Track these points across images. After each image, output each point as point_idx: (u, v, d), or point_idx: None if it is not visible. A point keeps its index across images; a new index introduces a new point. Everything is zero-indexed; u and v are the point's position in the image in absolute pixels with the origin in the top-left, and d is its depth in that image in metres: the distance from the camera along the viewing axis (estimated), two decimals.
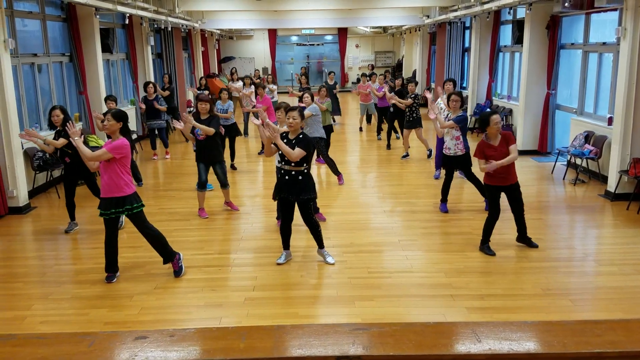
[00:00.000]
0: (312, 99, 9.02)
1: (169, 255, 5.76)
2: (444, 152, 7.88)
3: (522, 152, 10.95)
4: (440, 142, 9.17)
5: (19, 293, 5.54)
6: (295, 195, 5.78)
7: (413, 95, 11.12)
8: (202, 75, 19.97)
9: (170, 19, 15.24)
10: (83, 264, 6.25)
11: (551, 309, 5.00)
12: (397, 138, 13.73)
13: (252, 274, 5.86)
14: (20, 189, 8.18)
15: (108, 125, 5.56)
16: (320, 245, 6.10)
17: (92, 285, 5.62)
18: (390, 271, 5.85)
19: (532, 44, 11.37)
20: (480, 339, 1.49)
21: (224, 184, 7.96)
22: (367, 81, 15.02)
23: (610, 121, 8.94)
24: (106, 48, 12.44)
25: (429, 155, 11.53)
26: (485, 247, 6.31)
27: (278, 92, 15.98)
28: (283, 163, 5.79)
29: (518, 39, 12.40)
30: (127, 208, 5.47)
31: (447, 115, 8.11)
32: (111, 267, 5.71)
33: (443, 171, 8.69)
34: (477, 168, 6.47)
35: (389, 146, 12.86)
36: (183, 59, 18.91)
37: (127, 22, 12.97)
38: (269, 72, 25.99)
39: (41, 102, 10.09)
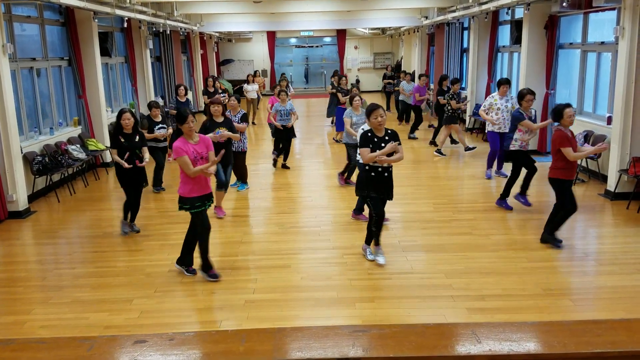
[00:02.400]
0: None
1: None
2: (522, 149, 7.75)
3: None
4: (497, 143, 9.36)
5: (19, 297, 5.53)
6: (390, 193, 5.90)
7: (452, 94, 11.53)
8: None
9: (168, 22, 15.26)
10: (83, 268, 6.24)
11: (552, 309, 5.00)
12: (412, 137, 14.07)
13: (252, 276, 5.85)
14: (19, 193, 8.18)
15: (194, 125, 5.60)
16: (377, 242, 6.17)
17: (92, 290, 5.62)
18: (390, 272, 5.85)
19: (531, 44, 11.37)
20: (480, 340, 1.49)
21: (224, 185, 7.97)
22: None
23: (609, 120, 8.94)
24: (105, 52, 12.45)
25: (469, 149, 11.77)
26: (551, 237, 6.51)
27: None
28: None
29: (516, 39, 12.42)
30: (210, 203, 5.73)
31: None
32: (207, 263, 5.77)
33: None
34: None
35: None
36: (182, 62, 18.93)
37: (125, 25, 12.98)
38: (268, 74, 26.01)
39: (40, 107, 10.09)
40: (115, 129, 7.01)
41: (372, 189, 5.84)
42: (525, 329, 1.60)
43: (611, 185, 8.40)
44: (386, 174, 5.79)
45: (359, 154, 5.86)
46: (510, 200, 7.95)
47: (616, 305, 5.08)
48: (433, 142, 12.97)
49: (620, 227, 7.30)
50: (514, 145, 7.75)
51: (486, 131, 9.69)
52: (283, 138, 10.78)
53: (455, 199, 8.68)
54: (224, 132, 7.57)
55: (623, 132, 8.12)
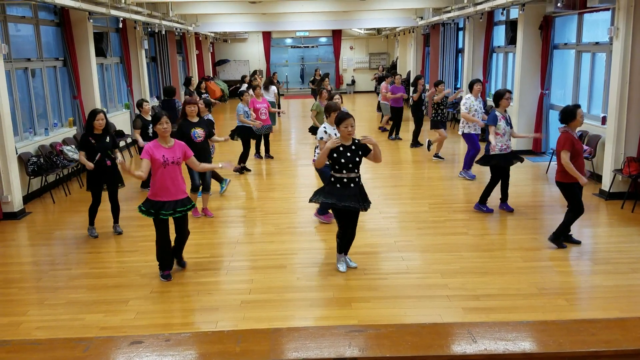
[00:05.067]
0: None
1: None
2: (502, 152, 7.54)
3: (516, 152, 10.97)
4: (475, 140, 9.41)
5: (14, 299, 5.51)
6: (363, 203, 5.63)
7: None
8: (199, 78, 20.07)
9: (164, 22, 15.23)
10: (78, 269, 6.23)
11: (547, 308, 5.01)
12: (392, 139, 13.83)
13: (248, 277, 5.85)
14: (14, 194, 8.15)
15: (168, 127, 5.58)
16: (347, 250, 6.01)
17: (87, 291, 5.60)
18: (386, 272, 5.85)
19: (526, 45, 11.40)
20: (475, 340, 1.50)
21: (206, 188, 7.88)
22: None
23: (604, 120, 8.97)
24: (100, 52, 12.42)
25: (434, 154, 11.52)
26: (559, 239, 6.46)
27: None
28: (345, 172, 5.50)
29: (511, 40, 12.45)
30: (189, 207, 5.69)
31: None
32: (169, 265, 5.85)
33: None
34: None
35: (415, 144, 12.99)
36: (177, 63, 18.90)
37: (120, 26, 12.95)
38: (264, 74, 25.94)
39: (35, 107, 10.06)
40: (86, 130, 7.04)
41: (336, 199, 5.53)
42: (521, 328, 1.61)
43: (606, 185, 8.43)
44: (352, 185, 5.55)
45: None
46: (491, 204, 7.91)
47: (611, 304, 5.10)
48: (414, 144, 12.91)
49: (615, 226, 7.33)
50: (494, 149, 7.53)
51: (462, 132, 9.58)
52: (249, 138, 10.70)
53: (450, 199, 8.70)
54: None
55: (617, 132, 8.15)
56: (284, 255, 6.43)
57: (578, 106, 6.26)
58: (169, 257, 5.80)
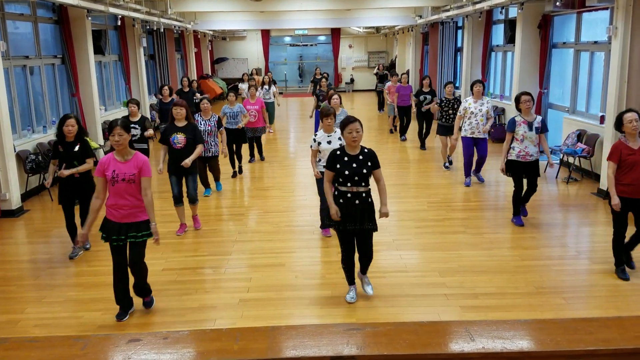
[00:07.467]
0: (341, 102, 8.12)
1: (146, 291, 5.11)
2: (520, 159, 6.93)
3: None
4: (471, 148, 8.96)
5: (12, 296, 5.51)
6: (371, 222, 4.87)
7: (446, 100, 10.32)
8: (195, 77, 20.05)
9: (162, 20, 15.21)
10: (76, 267, 6.22)
11: (545, 307, 5.02)
12: (403, 140, 13.76)
13: (246, 275, 5.85)
14: (12, 192, 8.14)
15: (121, 140, 4.65)
16: (365, 270, 5.25)
17: (85, 288, 5.60)
18: (384, 271, 5.86)
19: (524, 43, 11.42)
20: (473, 338, 1.50)
21: (192, 199, 7.15)
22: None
23: (602, 119, 8.98)
24: (98, 50, 12.40)
25: (447, 165, 10.59)
26: (619, 270, 5.59)
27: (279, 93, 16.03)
28: (350, 185, 4.78)
29: (510, 39, 12.46)
30: (145, 234, 4.76)
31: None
32: (121, 301, 4.94)
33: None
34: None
35: (423, 146, 12.53)
36: (176, 61, 18.88)
37: (119, 23, 12.93)
38: (262, 72, 25.92)
39: (33, 105, 10.05)
40: (58, 137, 6.20)
41: (338, 221, 4.86)
42: (518, 326, 1.61)
43: (604, 184, 8.43)
44: (357, 201, 4.82)
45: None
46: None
47: (608, 303, 5.11)
48: (422, 147, 12.58)
49: None
50: (510, 154, 7.00)
51: (460, 137, 9.18)
52: (232, 142, 9.92)
53: (449, 197, 8.70)
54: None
55: (616, 131, 8.14)
56: (283, 254, 6.43)
57: (627, 110, 5.49)
58: (121, 292, 4.88)
